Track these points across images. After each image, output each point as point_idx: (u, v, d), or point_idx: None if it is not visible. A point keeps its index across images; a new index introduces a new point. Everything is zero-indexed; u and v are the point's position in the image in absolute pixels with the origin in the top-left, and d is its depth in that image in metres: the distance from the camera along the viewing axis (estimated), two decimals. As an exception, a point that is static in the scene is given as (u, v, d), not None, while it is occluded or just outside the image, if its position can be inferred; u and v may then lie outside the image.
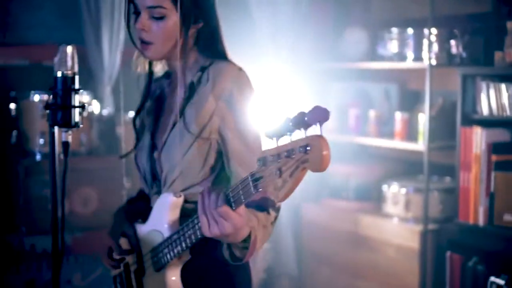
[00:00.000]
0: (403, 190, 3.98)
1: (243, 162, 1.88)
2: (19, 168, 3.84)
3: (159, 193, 2.03)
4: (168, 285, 1.95)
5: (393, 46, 4.11)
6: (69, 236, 3.90)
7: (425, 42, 3.89)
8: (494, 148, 3.47)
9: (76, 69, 1.92)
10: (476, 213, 3.51)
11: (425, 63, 3.85)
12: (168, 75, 2.14)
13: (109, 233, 2.16)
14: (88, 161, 4.03)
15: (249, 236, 1.72)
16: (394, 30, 4.10)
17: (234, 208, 1.60)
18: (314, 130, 1.32)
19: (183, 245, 1.86)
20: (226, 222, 1.61)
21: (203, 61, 2.01)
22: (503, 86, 3.44)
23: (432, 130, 3.79)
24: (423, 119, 3.89)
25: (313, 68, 4.61)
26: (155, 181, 2.06)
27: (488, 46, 3.77)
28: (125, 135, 3.92)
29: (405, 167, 4.38)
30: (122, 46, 4.53)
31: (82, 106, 1.94)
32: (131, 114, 4.19)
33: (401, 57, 4.08)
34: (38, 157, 3.94)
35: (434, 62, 3.82)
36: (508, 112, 3.43)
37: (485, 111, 3.51)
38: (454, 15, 3.98)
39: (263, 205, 1.83)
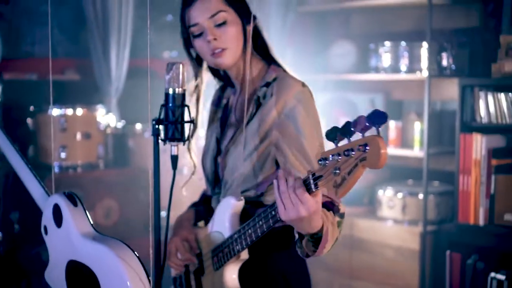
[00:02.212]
0: (400, 195, 4.20)
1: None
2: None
3: (219, 193, 2.19)
4: (226, 282, 2.07)
5: (385, 59, 4.34)
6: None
7: (417, 54, 4.15)
8: (494, 153, 3.73)
9: (186, 86, 2.02)
10: (476, 214, 3.74)
11: (418, 74, 4.11)
12: (233, 84, 2.23)
13: (173, 236, 2.25)
14: (107, 174, 4.05)
15: (321, 228, 1.77)
16: (387, 43, 4.33)
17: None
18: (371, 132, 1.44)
19: (243, 243, 1.96)
20: (302, 205, 1.63)
21: (266, 73, 2.13)
22: (501, 96, 3.69)
23: (430, 137, 4.03)
24: (418, 127, 4.13)
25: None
26: (217, 182, 2.21)
27: (474, 58, 4.06)
28: (135, 147, 3.97)
29: (393, 173, 4.60)
30: (128, 58, 4.57)
31: (192, 121, 2.04)
32: (139, 126, 4.24)
33: (393, 69, 4.32)
34: (56, 170, 3.93)
35: (426, 73, 4.05)
36: (501, 120, 3.69)
37: (484, 118, 3.74)
38: (441, 29, 4.24)
39: (329, 208, 1.89)
